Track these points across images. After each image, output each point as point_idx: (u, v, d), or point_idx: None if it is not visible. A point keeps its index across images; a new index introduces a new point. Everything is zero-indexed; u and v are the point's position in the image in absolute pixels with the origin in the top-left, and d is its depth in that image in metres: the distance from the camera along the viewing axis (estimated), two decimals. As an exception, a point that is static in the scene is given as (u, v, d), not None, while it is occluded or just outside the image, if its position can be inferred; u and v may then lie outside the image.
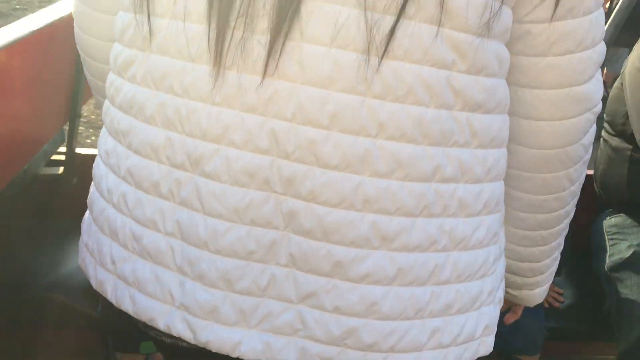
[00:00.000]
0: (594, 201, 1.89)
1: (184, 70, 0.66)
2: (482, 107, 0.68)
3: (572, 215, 0.92)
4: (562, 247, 0.96)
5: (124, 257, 0.74)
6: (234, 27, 0.63)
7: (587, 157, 0.84)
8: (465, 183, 0.69)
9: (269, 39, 0.62)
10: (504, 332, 1.62)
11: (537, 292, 1.03)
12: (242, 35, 0.63)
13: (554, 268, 0.99)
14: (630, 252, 1.65)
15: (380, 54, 0.61)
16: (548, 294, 1.72)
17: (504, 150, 0.75)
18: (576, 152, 0.80)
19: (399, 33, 0.61)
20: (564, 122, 0.76)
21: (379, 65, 0.62)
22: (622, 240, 1.71)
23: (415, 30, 0.62)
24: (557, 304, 1.76)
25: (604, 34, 0.76)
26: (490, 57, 0.66)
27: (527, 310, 1.66)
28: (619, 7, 2.22)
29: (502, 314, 1.58)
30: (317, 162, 0.64)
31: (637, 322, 1.51)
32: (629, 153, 1.70)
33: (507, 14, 0.66)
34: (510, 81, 0.73)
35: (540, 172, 0.81)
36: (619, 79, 1.77)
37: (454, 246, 0.70)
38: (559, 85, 0.74)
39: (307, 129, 0.63)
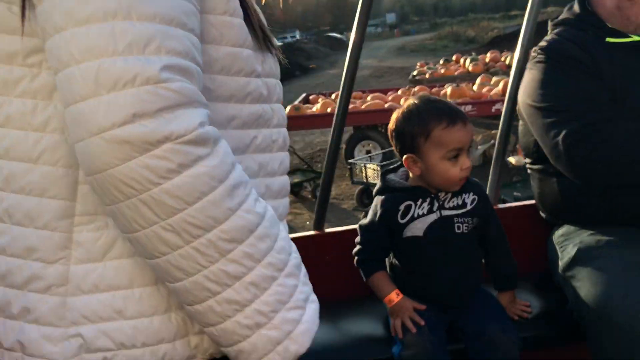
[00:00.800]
0: (543, 226, 2.07)
1: None
2: None
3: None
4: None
5: None
6: None
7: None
8: None
9: None
10: (479, 349, 1.70)
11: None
12: None
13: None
14: (575, 249, 1.78)
15: None
16: (515, 307, 1.83)
17: None
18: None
19: None
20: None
21: None
22: (569, 244, 1.83)
23: None
24: (525, 315, 1.84)
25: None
26: None
27: (497, 324, 1.74)
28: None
29: (481, 335, 1.66)
30: None
31: (595, 308, 1.61)
32: (552, 170, 1.86)
33: None
34: None
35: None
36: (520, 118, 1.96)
37: None
38: None
39: None
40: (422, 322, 1.70)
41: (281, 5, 1.27)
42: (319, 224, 2.25)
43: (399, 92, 10.20)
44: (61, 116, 0.84)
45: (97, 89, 0.73)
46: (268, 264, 0.86)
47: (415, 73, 14.11)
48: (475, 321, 1.75)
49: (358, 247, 1.85)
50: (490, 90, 9.56)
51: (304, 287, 0.93)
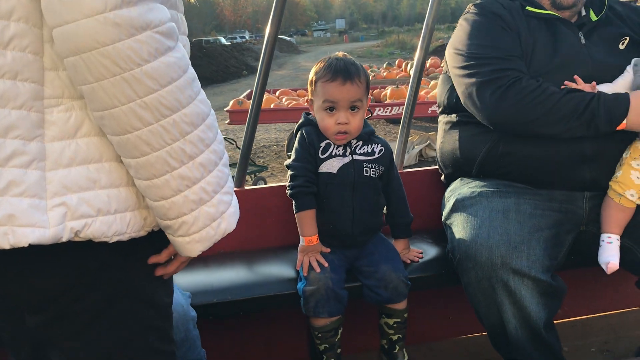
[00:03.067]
0: (442, 187, 2.33)
1: None
2: None
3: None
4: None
5: None
6: None
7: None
8: None
9: None
10: (372, 286, 1.93)
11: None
12: None
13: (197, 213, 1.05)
14: (454, 200, 2.04)
15: None
16: (409, 254, 2.07)
17: None
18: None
19: None
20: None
21: None
22: (452, 196, 2.10)
23: None
24: (416, 260, 2.08)
25: None
26: None
27: (388, 264, 1.97)
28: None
29: (374, 273, 1.89)
30: None
31: (464, 248, 1.86)
32: (455, 121, 2.13)
33: None
34: None
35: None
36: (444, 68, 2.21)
37: None
38: None
39: None
40: (326, 264, 1.91)
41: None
42: (239, 182, 2.44)
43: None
44: (25, 6, 0.94)
45: None
46: (213, 150, 1.04)
47: (358, 75, 14.43)
48: (371, 262, 1.98)
49: (290, 181, 1.96)
50: (428, 92, 9.96)
51: (232, 182, 1.12)
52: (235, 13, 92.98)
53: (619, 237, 1.92)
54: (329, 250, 1.96)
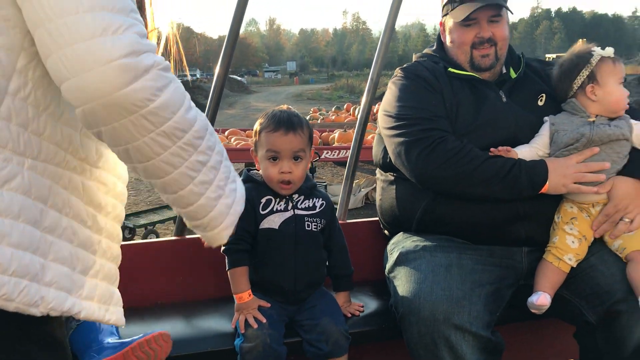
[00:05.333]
0: (384, 238, 2.34)
1: None
2: None
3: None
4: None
5: None
6: None
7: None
8: None
9: None
10: (313, 340, 1.89)
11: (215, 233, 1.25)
12: None
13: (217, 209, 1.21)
14: (398, 253, 2.05)
15: None
16: (350, 307, 2.04)
17: None
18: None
19: None
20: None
21: None
22: (395, 249, 2.10)
23: None
24: (357, 314, 2.06)
25: None
26: None
27: (329, 317, 1.94)
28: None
29: (315, 327, 1.85)
30: None
31: (407, 303, 1.85)
32: (392, 178, 2.16)
33: None
34: None
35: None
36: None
37: None
38: None
39: None
40: (264, 320, 1.86)
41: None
42: (180, 231, 2.37)
43: (290, 133, 10.54)
44: None
45: (103, 32, 0.96)
46: (217, 151, 1.17)
47: (308, 118, 14.63)
48: (312, 315, 1.94)
49: None
50: (374, 137, 10.16)
51: (234, 170, 1.28)
52: (187, 51, 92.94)
53: (550, 296, 1.96)
54: (268, 305, 1.92)
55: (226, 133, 10.77)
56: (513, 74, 2.21)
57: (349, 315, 2.05)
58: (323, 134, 11.08)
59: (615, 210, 1.95)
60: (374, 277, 2.31)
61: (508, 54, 2.23)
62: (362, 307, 2.10)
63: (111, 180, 1.24)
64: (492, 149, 1.98)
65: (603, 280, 1.93)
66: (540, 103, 2.14)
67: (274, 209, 1.94)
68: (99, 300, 1.17)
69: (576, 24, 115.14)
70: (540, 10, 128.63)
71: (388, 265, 2.09)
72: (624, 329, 1.89)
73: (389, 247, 2.19)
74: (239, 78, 56.78)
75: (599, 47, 2.03)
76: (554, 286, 1.97)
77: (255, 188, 1.95)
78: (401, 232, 2.19)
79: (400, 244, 2.12)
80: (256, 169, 2.03)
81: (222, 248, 1.92)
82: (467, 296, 1.80)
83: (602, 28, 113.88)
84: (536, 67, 2.26)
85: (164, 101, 1.02)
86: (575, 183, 1.94)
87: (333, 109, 16.47)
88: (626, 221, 1.95)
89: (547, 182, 1.93)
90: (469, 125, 2.04)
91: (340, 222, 2.55)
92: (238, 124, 17.64)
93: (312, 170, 7.21)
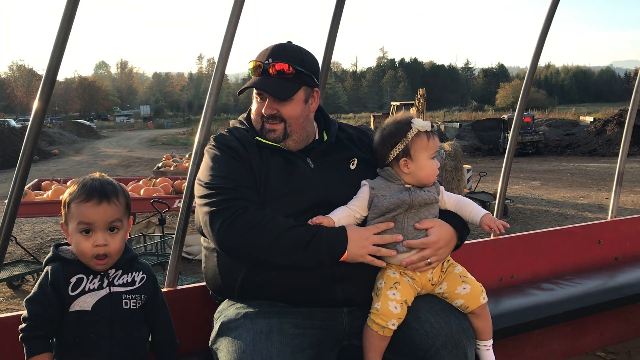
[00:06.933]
0: (213, 304, 2.27)
1: None
2: None
3: None
4: None
5: None
6: None
7: None
8: None
9: None
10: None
11: None
12: None
13: None
14: (219, 323, 2.03)
15: None
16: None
17: None
18: None
19: None
20: None
21: None
22: (219, 317, 2.08)
23: None
24: None
25: None
26: None
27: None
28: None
29: None
30: None
31: None
32: (213, 246, 2.15)
33: None
34: None
35: None
36: None
37: None
38: None
39: None
40: None
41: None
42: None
43: (140, 182, 10.16)
44: None
45: None
46: None
47: (160, 165, 14.20)
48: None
49: (24, 322, 1.80)
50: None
51: None
52: (29, 94, 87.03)
53: None
54: None
55: (68, 183, 10.12)
56: (325, 137, 2.30)
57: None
58: (175, 182, 10.74)
59: (432, 245, 2.06)
60: (201, 348, 2.24)
61: (322, 120, 2.34)
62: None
63: None
64: (310, 220, 2.03)
65: (417, 337, 2.04)
66: (352, 167, 2.24)
67: (86, 289, 1.82)
68: None
69: (417, 73, 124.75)
70: (385, 60, 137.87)
71: (212, 336, 2.05)
72: None
73: (215, 316, 2.15)
74: (87, 122, 54.05)
75: (419, 119, 2.15)
76: (382, 352, 2.05)
77: (63, 267, 1.83)
78: (227, 300, 2.17)
79: (223, 312, 2.09)
80: (67, 243, 1.91)
81: (20, 336, 1.79)
82: None
83: (440, 77, 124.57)
84: (351, 134, 2.37)
85: None
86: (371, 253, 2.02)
87: (187, 156, 16.14)
88: (427, 261, 2.08)
89: (347, 252, 2.00)
90: (278, 191, 2.09)
91: (169, 289, 2.47)
92: (85, 171, 16.69)
93: (162, 221, 6.94)
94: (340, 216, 2.09)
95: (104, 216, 1.80)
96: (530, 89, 3.71)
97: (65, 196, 1.85)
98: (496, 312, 2.19)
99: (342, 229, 2.03)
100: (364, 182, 2.16)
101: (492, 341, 2.19)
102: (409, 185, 2.13)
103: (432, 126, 2.18)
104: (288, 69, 2.14)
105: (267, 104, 2.17)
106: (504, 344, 2.20)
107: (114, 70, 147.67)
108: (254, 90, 2.21)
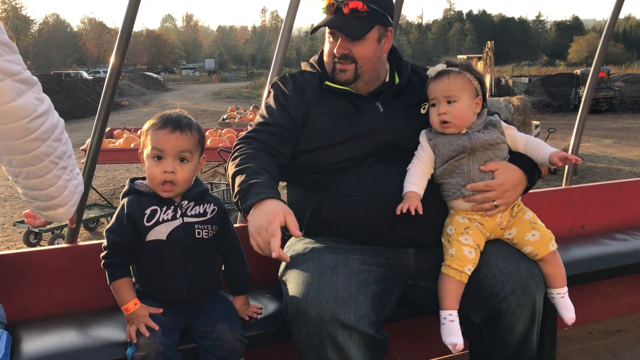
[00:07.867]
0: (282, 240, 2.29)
1: None
2: None
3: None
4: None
5: None
6: None
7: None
8: None
9: None
10: (208, 347, 1.88)
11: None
12: None
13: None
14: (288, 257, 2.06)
15: None
16: (248, 310, 2.04)
17: None
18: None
19: None
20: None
21: None
22: (288, 252, 2.12)
23: None
24: (255, 316, 2.07)
25: None
26: None
27: (224, 322, 1.93)
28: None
29: (210, 333, 1.84)
30: None
31: (295, 304, 1.88)
32: (284, 184, 2.22)
33: None
34: None
35: None
36: None
37: None
38: None
39: None
40: (157, 328, 1.84)
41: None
42: (71, 238, 2.29)
43: (207, 132, 10.40)
44: None
45: None
46: (69, 142, 1.46)
47: (225, 116, 14.45)
48: (207, 321, 1.93)
49: (104, 250, 1.92)
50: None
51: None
52: (99, 47, 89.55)
53: (457, 312, 2.03)
54: (160, 310, 1.89)
55: (139, 132, 10.47)
56: (397, 80, 2.26)
57: (247, 318, 2.05)
58: (240, 133, 10.93)
59: (497, 188, 2.03)
60: (272, 279, 2.32)
61: (395, 61, 2.30)
62: (261, 309, 2.11)
63: None
64: (398, 207, 1.97)
65: (486, 282, 2.04)
66: (423, 111, 2.21)
67: (160, 219, 1.90)
68: None
69: (486, 26, 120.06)
70: (452, 13, 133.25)
71: (281, 269, 2.11)
72: (506, 327, 2.03)
73: (284, 250, 2.20)
74: (155, 75, 55.25)
75: (443, 63, 2.11)
76: (459, 299, 2.04)
77: (138, 200, 1.91)
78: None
79: (292, 247, 2.15)
80: (143, 177, 1.99)
81: (102, 262, 1.90)
82: (354, 296, 1.85)
83: (509, 30, 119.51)
84: (424, 76, 2.29)
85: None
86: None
87: (251, 108, 16.33)
88: (493, 204, 2.05)
89: (250, 218, 1.81)
90: (346, 134, 2.10)
91: (237, 225, 2.55)
92: (153, 122, 17.17)
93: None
94: (418, 186, 2.04)
95: (175, 144, 1.86)
96: (609, 43, 3.51)
97: (145, 126, 1.93)
98: (564, 260, 2.14)
99: (264, 197, 1.82)
100: (423, 132, 2.13)
101: (566, 288, 2.15)
102: (464, 130, 2.08)
103: (442, 69, 2.11)
104: (362, 7, 2.10)
105: (340, 43, 2.14)
106: (571, 293, 2.16)
107: (179, 23, 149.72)
108: (327, 30, 2.19)
